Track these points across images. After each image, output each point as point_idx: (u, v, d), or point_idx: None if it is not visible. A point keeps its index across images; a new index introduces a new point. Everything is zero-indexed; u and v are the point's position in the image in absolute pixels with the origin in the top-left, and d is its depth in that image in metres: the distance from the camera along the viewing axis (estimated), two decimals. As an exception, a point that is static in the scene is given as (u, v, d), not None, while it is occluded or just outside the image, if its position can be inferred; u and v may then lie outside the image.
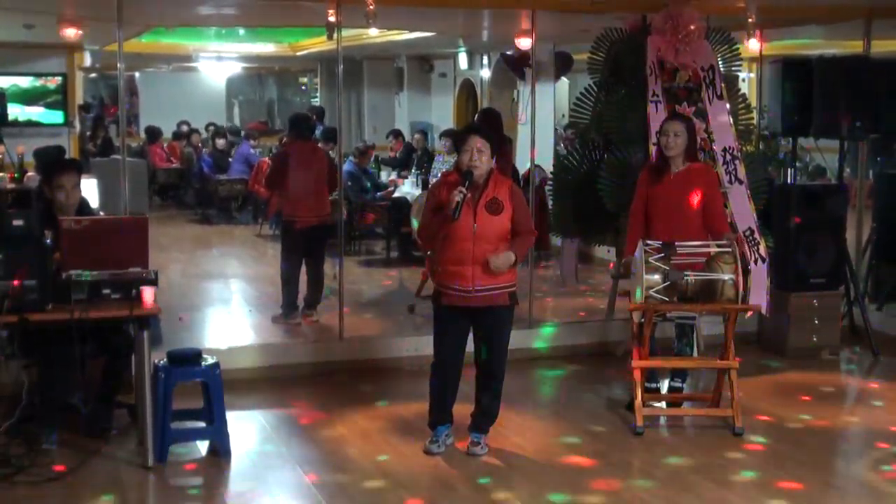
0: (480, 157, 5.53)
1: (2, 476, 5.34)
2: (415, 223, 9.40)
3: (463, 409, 5.94)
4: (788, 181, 8.79)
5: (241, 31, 14.98)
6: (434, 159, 12.90)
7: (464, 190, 5.45)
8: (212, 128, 18.35)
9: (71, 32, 9.92)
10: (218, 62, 19.12)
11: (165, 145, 17.63)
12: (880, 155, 11.82)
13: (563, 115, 15.05)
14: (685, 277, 6.02)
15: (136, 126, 20.40)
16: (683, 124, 6.47)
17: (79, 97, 14.58)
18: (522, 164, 10.96)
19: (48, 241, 5.39)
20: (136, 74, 20.64)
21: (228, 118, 21.58)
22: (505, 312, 5.70)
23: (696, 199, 6.36)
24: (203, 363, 5.78)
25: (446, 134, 12.78)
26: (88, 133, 16.94)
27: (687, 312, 6.28)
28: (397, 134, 14.94)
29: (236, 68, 20.80)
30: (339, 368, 7.54)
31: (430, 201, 5.73)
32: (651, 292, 6.00)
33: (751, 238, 7.37)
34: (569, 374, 7.71)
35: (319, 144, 10.38)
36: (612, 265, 6.72)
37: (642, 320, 6.18)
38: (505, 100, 14.63)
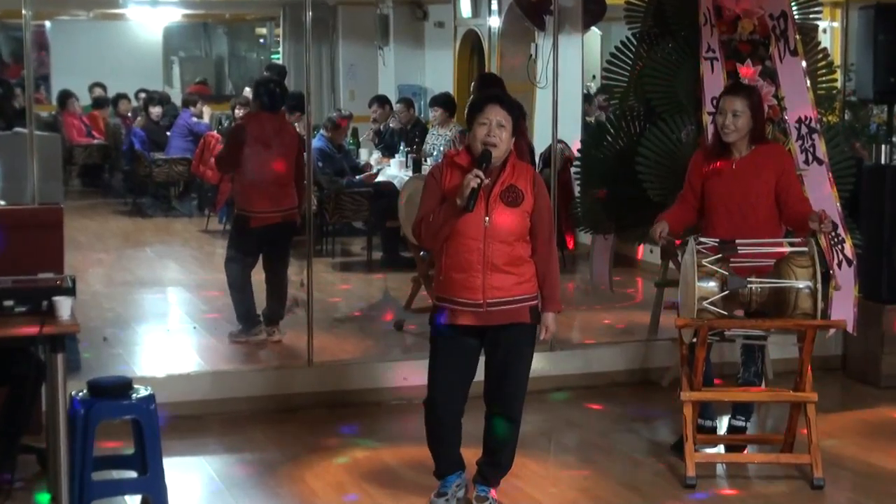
0: (501, 133, 5.52)
1: None
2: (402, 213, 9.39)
3: (467, 455, 5.92)
4: (882, 161, 8.81)
5: (182, -31, 15.01)
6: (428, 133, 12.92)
7: (481, 174, 5.41)
8: (143, 94, 18.36)
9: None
10: (152, 8, 19.08)
11: (85, 115, 17.62)
12: None
13: (594, 77, 15.06)
14: (748, 285, 6.04)
15: (46, 90, 20.41)
16: (746, 100, 6.41)
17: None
18: (542, 140, 10.97)
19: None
20: (47, 24, 20.62)
21: (166, 80, 21.57)
22: (525, 332, 5.68)
23: (767, 190, 6.37)
24: (134, 396, 5.78)
25: (438, 101, 12.78)
26: (-16, 99, 16.95)
27: (754, 331, 6.28)
28: (383, 101, 14.92)
29: (175, 16, 20.77)
30: (308, 402, 7.55)
31: (429, 188, 5.70)
32: (705, 304, 6.02)
33: (833, 234, 7.39)
34: (601, 409, 7.73)
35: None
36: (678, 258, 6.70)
37: (694, 340, 6.20)
38: (520, 57, 14.63)
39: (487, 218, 5.50)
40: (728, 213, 6.42)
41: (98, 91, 18.43)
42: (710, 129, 6.78)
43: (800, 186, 6.77)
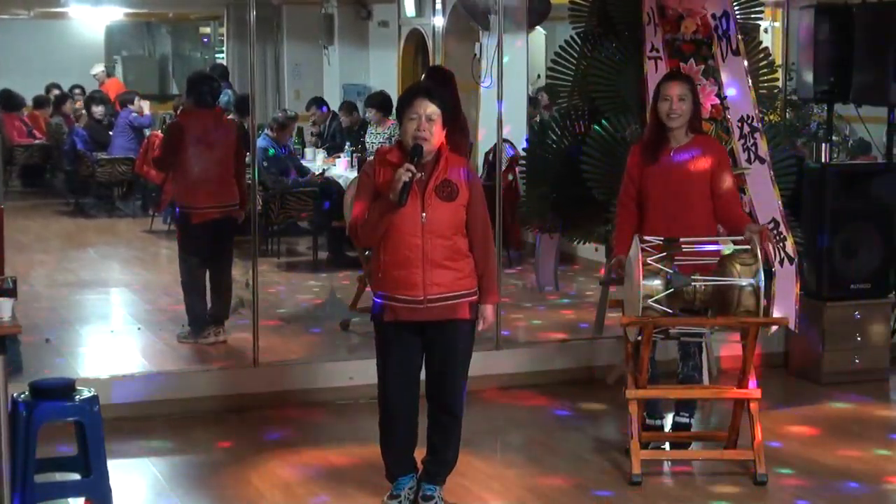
0: (431, 126, 5.52)
1: None
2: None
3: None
4: (823, 159, 8.90)
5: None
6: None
7: (412, 168, 5.43)
8: (77, 90, 18.22)
9: None
10: (94, 7, 18.97)
11: (26, 115, 17.45)
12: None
13: (539, 76, 15.11)
14: (692, 283, 6.08)
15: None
16: (688, 85, 6.52)
17: None
18: (486, 139, 10.99)
19: None
20: (-14, 23, 20.46)
21: (109, 79, 21.41)
22: (464, 328, 5.70)
23: (704, 181, 6.42)
24: (77, 397, 5.74)
25: (373, 100, 12.76)
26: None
27: (694, 328, 6.32)
28: (321, 103, 14.86)
29: (118, 15, 20.63)
30: (254, 403, 7.53)
31: (363, 186, 5.70)
32: (650, 302, 6.05)
33: (775, 232, 7.45)
34: (547, 407, 7.74)
35: (230, 117, 10.37)
36: (602, 271, 6.76)
37: (639, 338, 6.23)
38: (464, 56, 14.65)
39: (424, 214, 5.50)
40: (664, 207, 6.43)
41: (55, 91, 18.24)
42: (649, 124, 6.77)
43: (735, 182, 6.78)
